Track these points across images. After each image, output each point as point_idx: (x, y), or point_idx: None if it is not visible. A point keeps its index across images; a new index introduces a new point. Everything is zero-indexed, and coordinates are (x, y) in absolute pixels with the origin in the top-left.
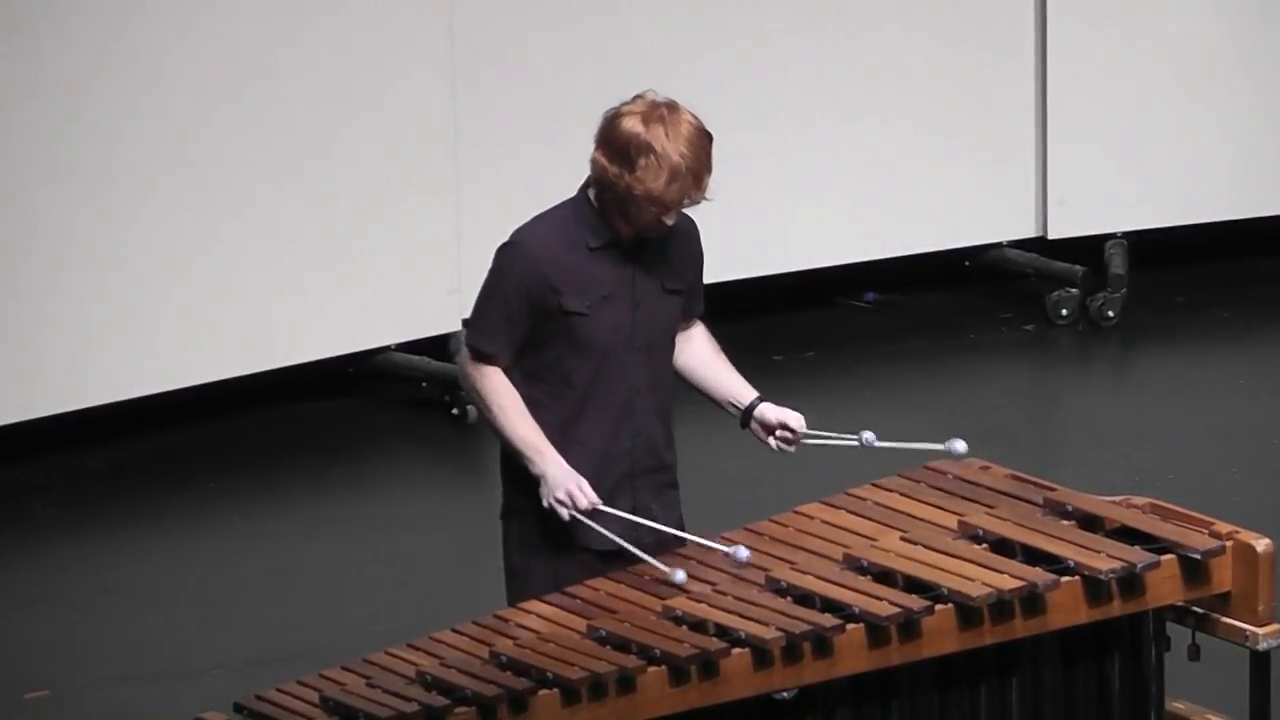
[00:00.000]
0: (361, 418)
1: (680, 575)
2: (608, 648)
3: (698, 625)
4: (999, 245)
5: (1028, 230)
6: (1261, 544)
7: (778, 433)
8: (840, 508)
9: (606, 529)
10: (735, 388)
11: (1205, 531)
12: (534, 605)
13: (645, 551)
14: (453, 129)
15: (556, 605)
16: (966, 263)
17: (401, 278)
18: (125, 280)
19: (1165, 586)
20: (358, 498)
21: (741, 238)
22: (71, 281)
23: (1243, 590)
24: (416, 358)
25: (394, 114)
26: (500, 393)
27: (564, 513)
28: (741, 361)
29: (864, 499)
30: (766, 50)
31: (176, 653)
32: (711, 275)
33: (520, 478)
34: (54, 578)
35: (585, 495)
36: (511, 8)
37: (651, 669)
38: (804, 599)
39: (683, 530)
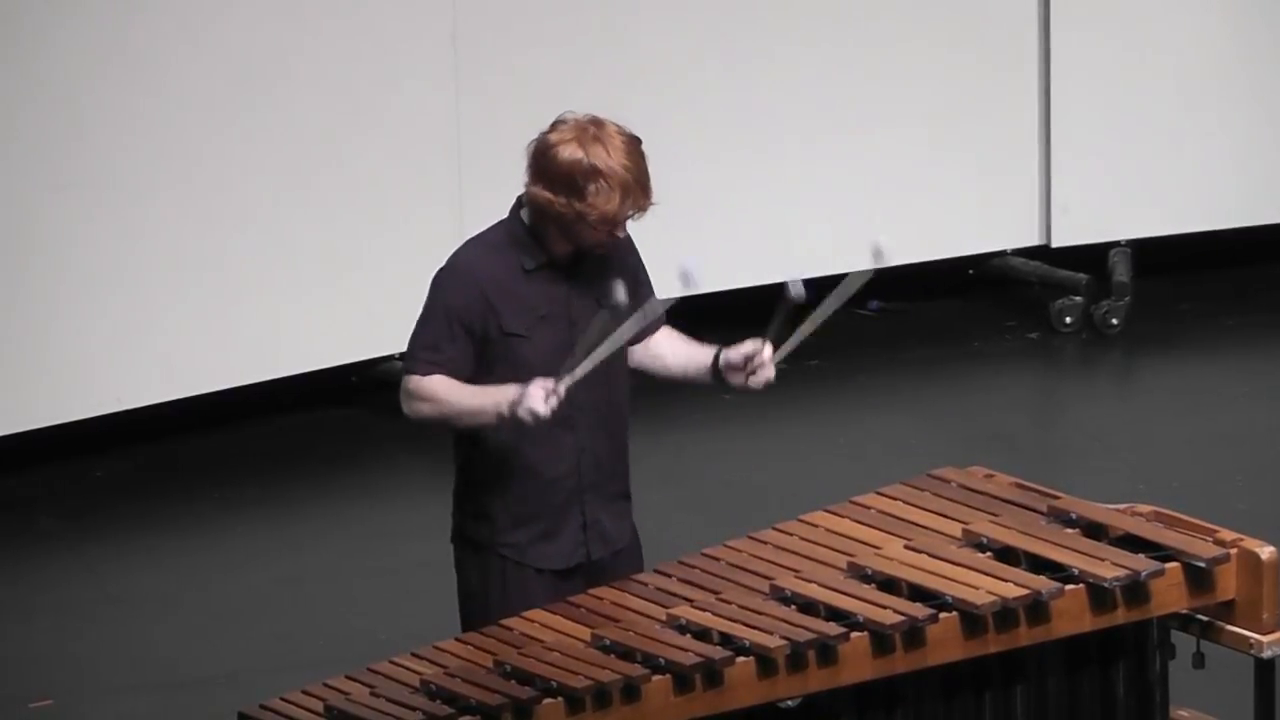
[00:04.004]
0: (365, 427)
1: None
2: (612, 656)
3: (702, 634)
4: (1003, 253)
5: (1031, 238)
6: (1266, 551)
7: (747, 370)
8: (844, 516)
9: (581, 368)
10: (698, 357)
11: (1210, 539)
12: (537, 614)
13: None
14: (456, 137)
15: (560, 614)
16: (970, 271)
17: (404, 286)
18: (128, 289)
19: (1170, 594)
20: (361, 506)
21: (745, 246)
22: (74, 290)
23: (1247, 598)
24: None
25: (397, 123)
26: (436, 382)
27: (544, 410)
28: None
29: (868, 507)
30: (769, 59)
31: (180, 662)
32: (715, 283)
33: (470, 502)
34: (57, 587)
35: (545, 389)
36: (515, 17)
37: (656, 678)
38: (808, 607)
39: (638, 542)
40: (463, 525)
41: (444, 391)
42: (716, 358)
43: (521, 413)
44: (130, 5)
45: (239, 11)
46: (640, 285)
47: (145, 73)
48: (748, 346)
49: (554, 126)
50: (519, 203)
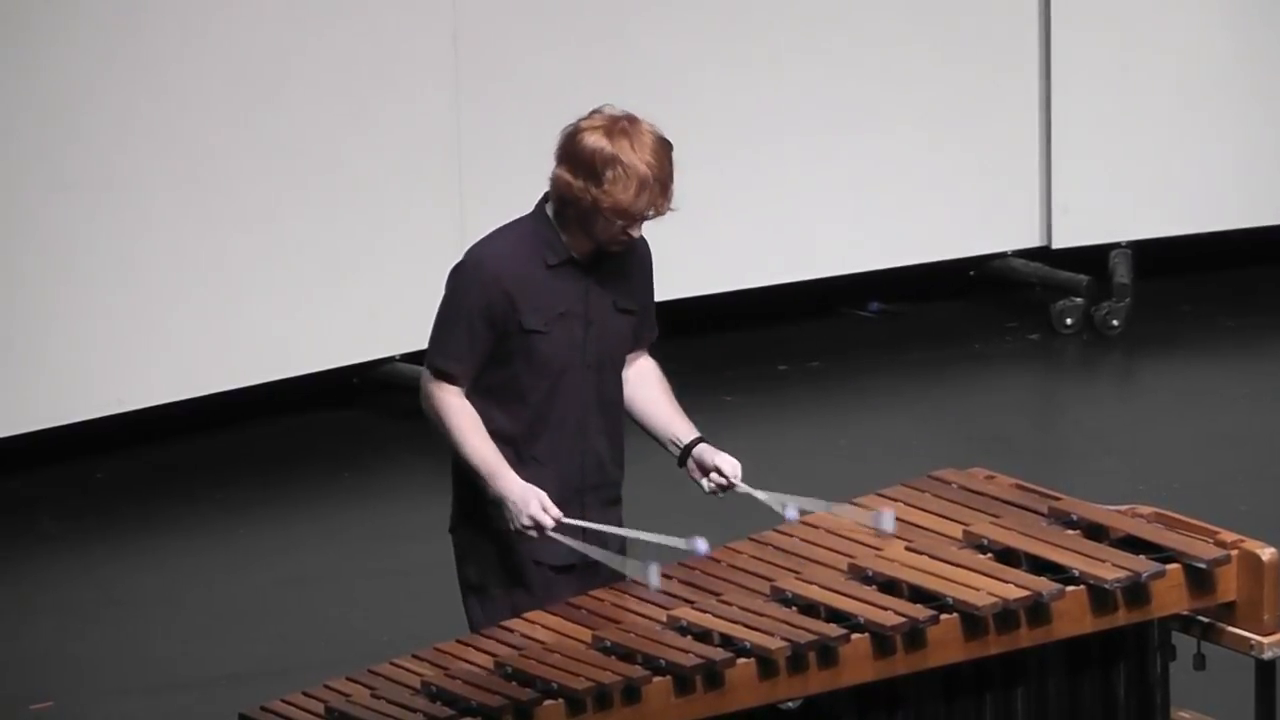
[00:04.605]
0: (366, 428)
1: (654, 573)
2: (613, 658)
3: (702, 635)
4: (1004, 255)
5: (1032, 240)
6: (1267, 553)
7: (712, 475)
8: (845, 517)
9: (574, 541)
10: (678, 428)
11: (1210, 540)
12: (538, 615)
13: (612, 555)
14: (456, 140)
15: (561, 615)
16: (971, 272)
17: (405, 288)
18: (130, 292)
19: (1170, 596)
20: (363, 508)
21: (746, 248)
22: (76, 292)
23: (1248, 599)
24: (421, 368)
25: (398, 125)
26: (459, 413)
27: (533, 535)
28: (746, 371)
29: (869, 509)
30: (770, 61)
31: (182, 664)
32: (716, 285)
33: (474, 491)
34: (59, 589)
35: (550, 513)
36: (515, 19)
37: (656, 679)
38: (809, 609)
39: (624, 547)
40: (466, 514)
41: (457, 425)
42: (689, 448)
43: (520, 514)
44: (132, 7)
45: (240, 13)
46: (650, 305)
47: (147, 74)
48: (725, 465)
49: (590, 114)
50: (545, 196)
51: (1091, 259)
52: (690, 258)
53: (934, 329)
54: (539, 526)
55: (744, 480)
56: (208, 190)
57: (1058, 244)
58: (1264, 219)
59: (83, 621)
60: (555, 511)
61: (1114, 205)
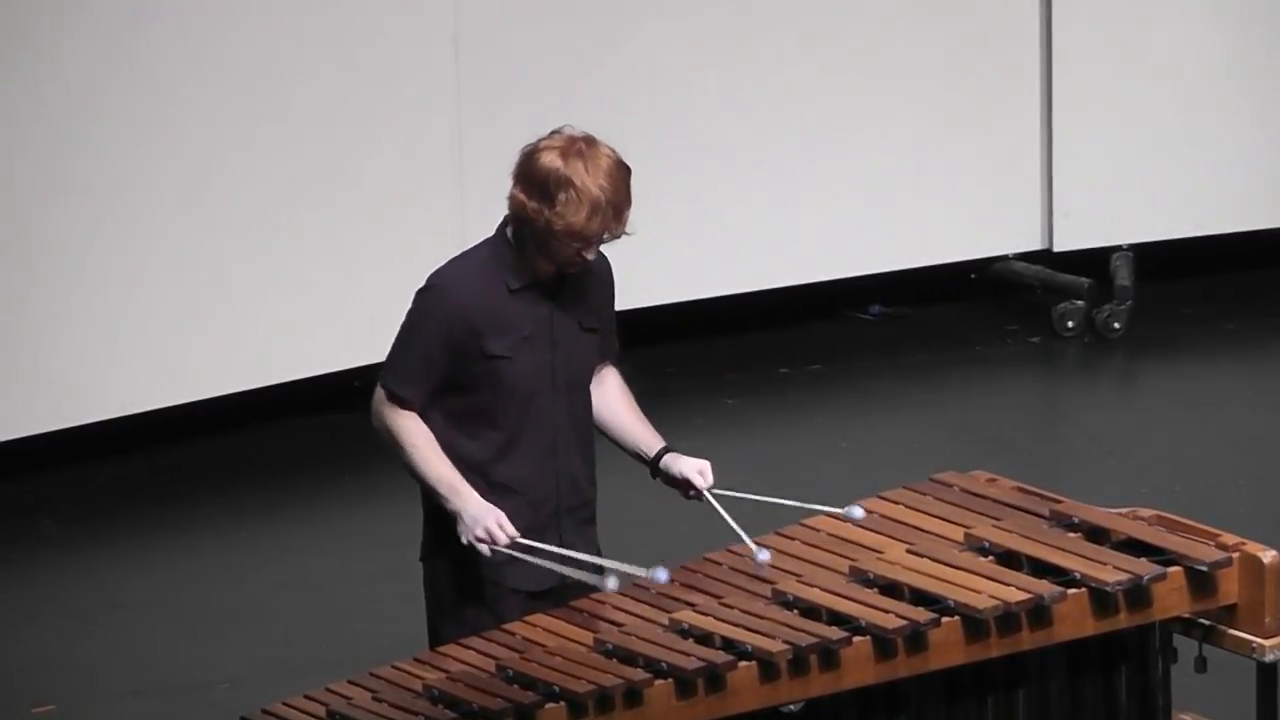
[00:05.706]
0: (368, 431)
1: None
2: (614, 661)
3: (704, 638)
4: (1005, 258)
5: (1034, 243)
6: (1268, 556)
7: (685, 488)
8: (846, 520)
9: (530, 560)
10: (643, 438)
11: (1212, 543)
12: (539, 618)
13: (570, 577)
14: (458, 143)
15: (562, 618)
16: (972, 275)
17: (406, 291)
18: (132, 295)
19: (1172, 598)
20: (364, 511)
21: (747, 251)
22: (79, 295)
23: (1249, 602)
24: None
25: (399, 128)
26: (413, 432)
27: (484, 549)
28: (747, 374)
29: (870, 511)
30: (772, 63)
31: (184, 667)
32: (717, 288)
33: (448, 518)
34: (61, 592)
35: (505, 530)
36: (516, 21)
37: (658, 682)
38: (810, 612)
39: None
40: (439, 541)
41: (411, 444)
42: (659, 457)
43: (474, 527)
44: (137, 14)
45: (243, 19)
46: (612, 321)
47: (152, 80)
48: (694, 476)
49: (549, 134)
50: (505, 220)
51: (1093, 262)
52: (691, 261)
53: (935, 332)
54: (492, 540)
55: (719, 486)
56: (208, 194)
57: (1059, 247)
58: (1265, 221)
59: (85, 624)
60: (511, 530)
61: (1115, 208)
